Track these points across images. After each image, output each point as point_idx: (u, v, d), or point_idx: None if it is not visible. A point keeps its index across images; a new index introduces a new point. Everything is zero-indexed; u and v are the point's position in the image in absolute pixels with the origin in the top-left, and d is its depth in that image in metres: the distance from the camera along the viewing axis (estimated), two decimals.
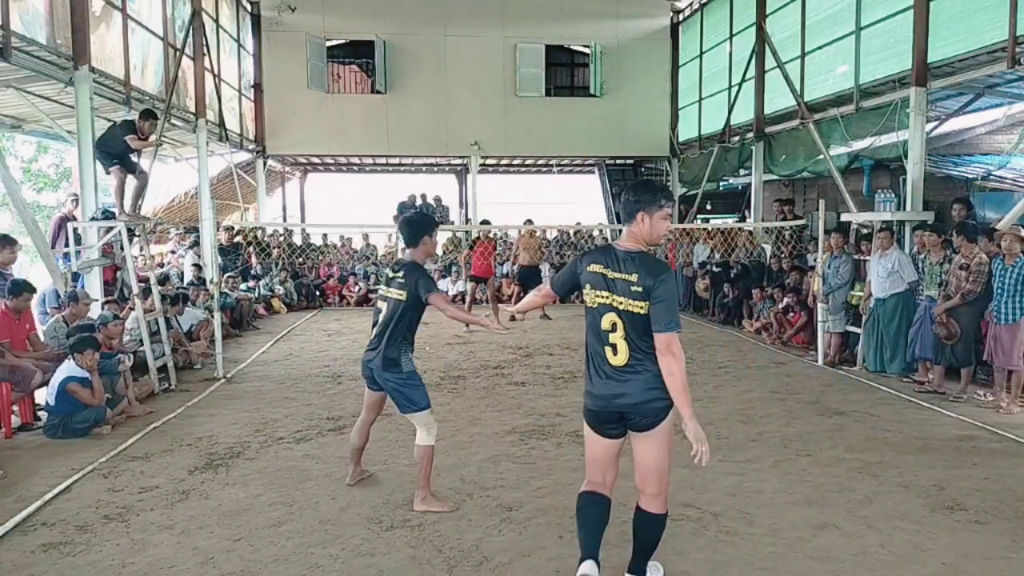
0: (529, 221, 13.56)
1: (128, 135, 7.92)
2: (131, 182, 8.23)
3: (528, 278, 12.70)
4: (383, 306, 4.39)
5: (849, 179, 11.24)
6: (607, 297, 3.12)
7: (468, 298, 12.58)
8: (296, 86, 16.17)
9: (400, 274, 4.34)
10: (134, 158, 8.29)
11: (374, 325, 4.43)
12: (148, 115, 8.23)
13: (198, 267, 12.42)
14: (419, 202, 17.47)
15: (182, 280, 11.98)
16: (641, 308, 3.05)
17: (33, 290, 6.55)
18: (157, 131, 8.96)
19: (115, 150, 7.96)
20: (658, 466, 3.16)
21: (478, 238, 12.29)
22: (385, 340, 4.28)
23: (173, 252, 14.19)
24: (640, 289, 3.05)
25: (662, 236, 3.24)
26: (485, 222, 13.70)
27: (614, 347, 3.12)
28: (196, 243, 13.34)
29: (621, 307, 3.09)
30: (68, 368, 5.94)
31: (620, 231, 3.29)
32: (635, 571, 3.30)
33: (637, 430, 3.15)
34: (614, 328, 3.11)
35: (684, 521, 4.09)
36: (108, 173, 8.15)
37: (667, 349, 3.01)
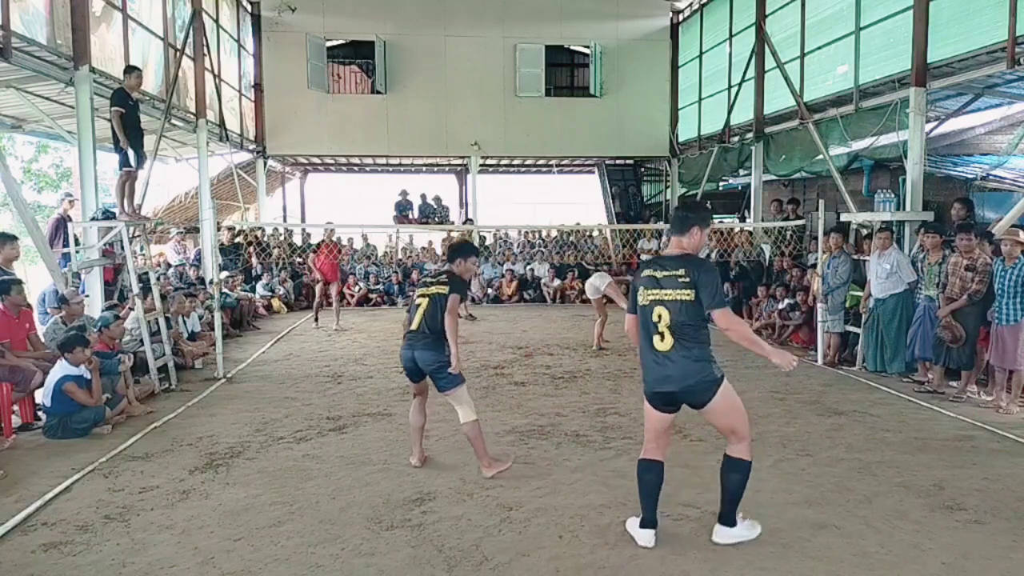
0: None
1: (116, 106, 7.54)
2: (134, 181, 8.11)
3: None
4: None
5: (849, 179, 11.23)
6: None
7: (317, 300, 12.47)
8: (296, 86, 16.18)
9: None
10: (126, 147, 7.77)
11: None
12: (130, 69, 7.89)
13: (195, 266, 12.42)
14: (410, 197, 17.46)
15: (181, 279, 11.98)
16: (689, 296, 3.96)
17: (18, 281, 6.49)
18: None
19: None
20: None
21: (322, 242, 12.43)
22: None
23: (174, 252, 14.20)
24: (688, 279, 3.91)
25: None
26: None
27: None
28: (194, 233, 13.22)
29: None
30: (62, 368, 5.92)
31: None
32: None
33: None
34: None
35: (684, 521, 4.10)
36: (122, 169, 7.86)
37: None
